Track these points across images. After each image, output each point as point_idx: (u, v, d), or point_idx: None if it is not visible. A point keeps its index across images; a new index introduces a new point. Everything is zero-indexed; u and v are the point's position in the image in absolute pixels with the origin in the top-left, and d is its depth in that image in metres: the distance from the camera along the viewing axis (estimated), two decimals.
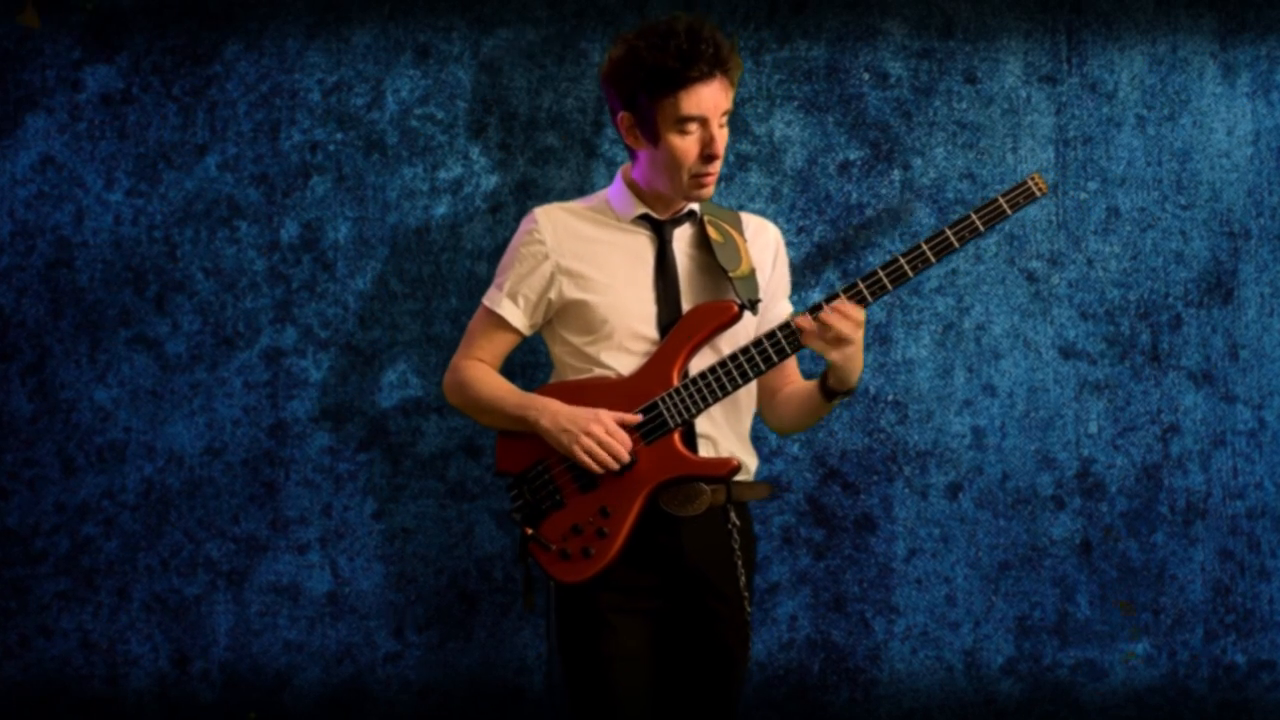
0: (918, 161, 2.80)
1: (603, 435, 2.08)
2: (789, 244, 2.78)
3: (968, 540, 2.80)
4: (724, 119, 2.13)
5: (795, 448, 2.79)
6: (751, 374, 2.11)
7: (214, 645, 2.77)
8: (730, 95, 2.12)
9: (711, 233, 2.21)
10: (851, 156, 2.80)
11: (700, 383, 2.11)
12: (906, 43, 2.80)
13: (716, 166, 2.13)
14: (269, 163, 2.78)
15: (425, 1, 2.79)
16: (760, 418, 2.33)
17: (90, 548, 2.77)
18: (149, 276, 2.78)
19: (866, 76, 2.80)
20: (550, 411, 2.12)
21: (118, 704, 2.77)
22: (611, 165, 2.77)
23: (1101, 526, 2.80)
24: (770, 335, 2.11)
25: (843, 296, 2.07)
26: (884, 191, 2.80)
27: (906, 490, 2.79)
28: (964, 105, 2.81)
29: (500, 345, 2.25)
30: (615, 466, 2.09)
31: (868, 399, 2.79)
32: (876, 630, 2.79)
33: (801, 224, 2.79)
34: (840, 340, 2.06)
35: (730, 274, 2.16)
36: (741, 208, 2.78)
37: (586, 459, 2.08)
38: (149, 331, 2.78)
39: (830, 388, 2.16)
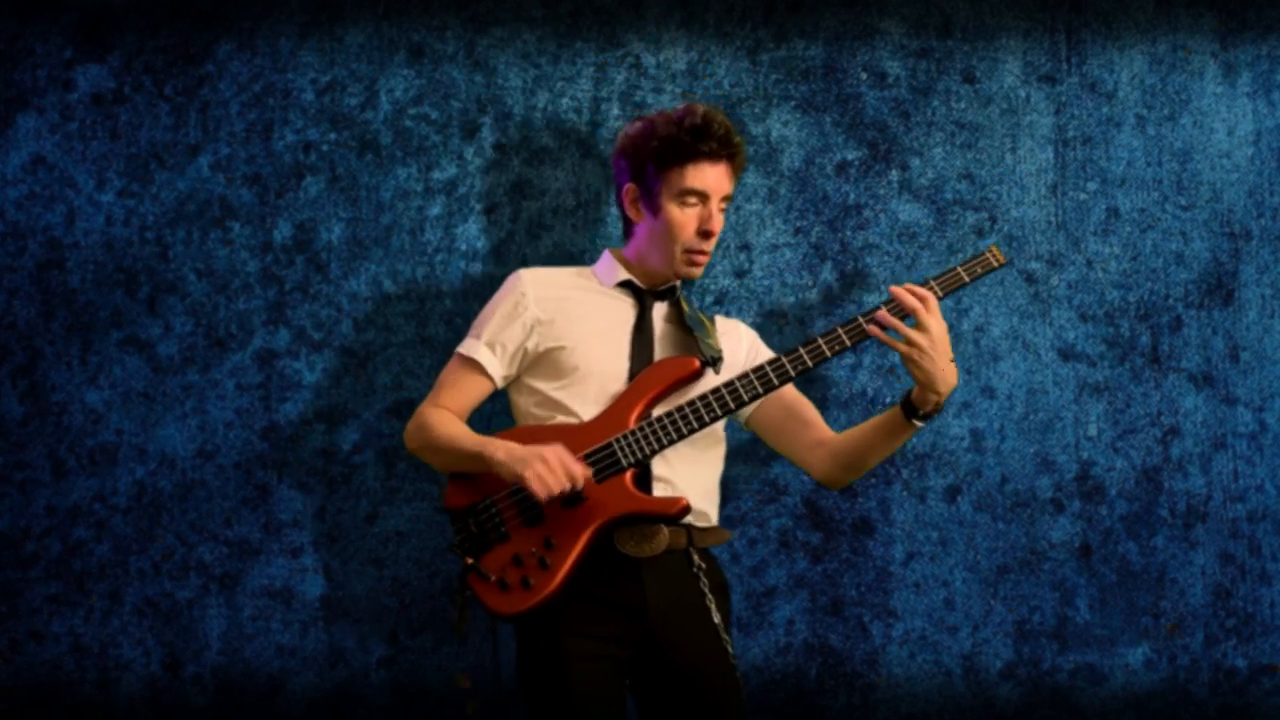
0: (916, 161, 2.78)
1: (554, 460, 2.06)
2: (786, 245, 2.76)
3: (966, 544, 2.78)
4: (724, 205, 2.23)
5: None
6: (708, 419, 2.13)
7: (206, 649, 2.75)
8: (732, 185, 2.24)
9: (685, 308, 2.28)
10: (849, 157, 2.78)
11: (656, 424, 2.12)
12: (904, 42, 2.78)
13: (710, 245, 2.23)
14: (262, 163, 2.76)
15: (419, 1, 2.77)
16: (815, 480, 2.37)
17: (81, 551, 2.75)
18: (141, 278, 2.76)
19: (864, 76, 2.79)
20: (506, 446, 2.12)
21: (109, 708, 2.75)
22: (607, 166, 2.75)
23: (1101, 530, 2.78)
24: (729, 385, 2.14)
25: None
26: (882, 192, 2.78)
27: (904, 493, 2.78)
28: (962, 105, 2.79)
29: (470, 393, 2.27)
30: (565, 488, 2.06)
31: (865, 401, 2.78)
32: (874, 634, 2.77)
33: (799, 225, 2.78)
34: (920, 329, 2.05)
35: (697, 335, 2.22)
36: (738, 209, 2.76)
37: (536, 484, 2.05)
38: (141, 333, 2.76)
39: (913, 403, 2.13)
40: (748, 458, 2.76)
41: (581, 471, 2.08)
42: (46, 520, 2.76)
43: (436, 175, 2.77)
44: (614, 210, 2.75)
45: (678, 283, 2.31)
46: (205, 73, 2.76)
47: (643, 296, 2.28)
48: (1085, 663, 2.78)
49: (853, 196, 2.78)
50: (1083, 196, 2.80)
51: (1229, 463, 2.79)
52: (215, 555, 2.75)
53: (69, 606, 2.76)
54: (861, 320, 2.10)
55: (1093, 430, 2.79)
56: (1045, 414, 2.79)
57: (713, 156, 2.19)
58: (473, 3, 2.77)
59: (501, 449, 2.11)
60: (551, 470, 2.05)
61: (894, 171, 2.78)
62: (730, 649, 2.18)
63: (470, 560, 2.14)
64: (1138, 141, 2.80)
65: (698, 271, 2.25)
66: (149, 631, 2.76)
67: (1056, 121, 2.79)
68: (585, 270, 2.34)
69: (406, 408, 2.74)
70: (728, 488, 2.74)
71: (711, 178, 2.20)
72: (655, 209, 2.21)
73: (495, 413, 2.61)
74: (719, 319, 2.38)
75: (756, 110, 2.77)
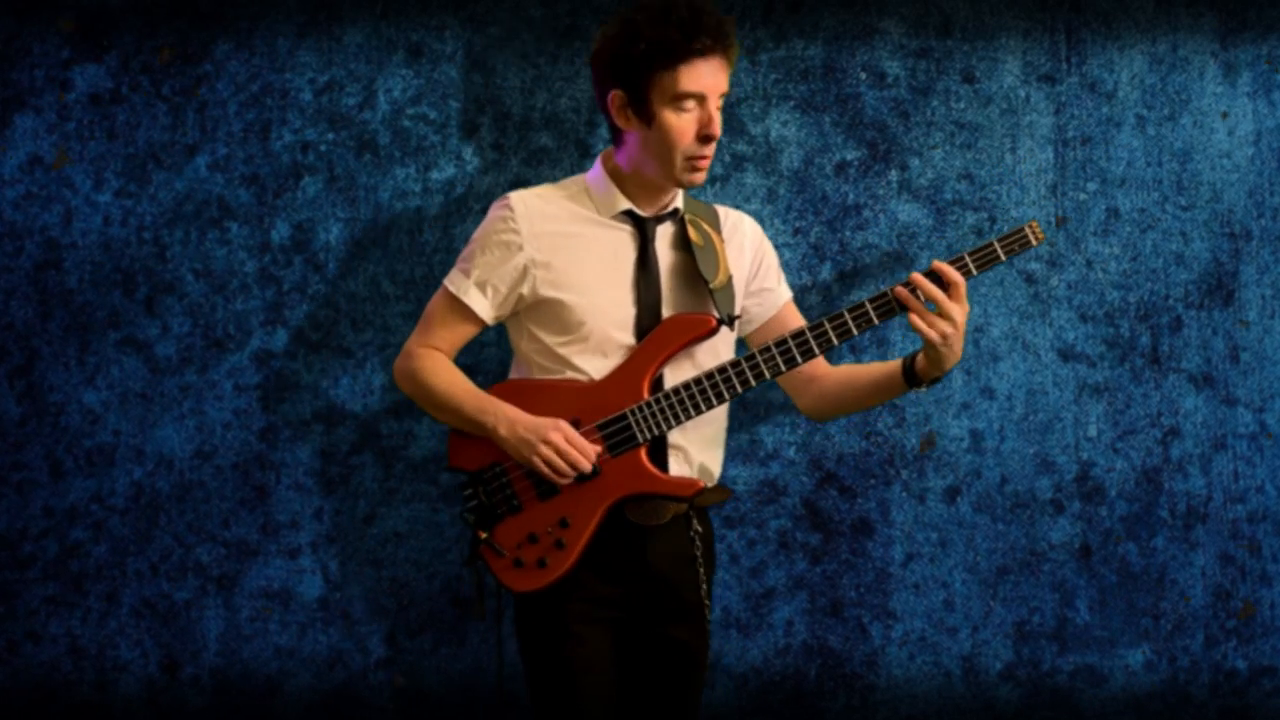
0: (915, 162, 2.77)
1: (562, 444, 2.03)
2: (786, 245, 2.75)
3: (966, 544, 2.77)
4: (720, 102, 2.06)
5: (791, 451, 2.76)
6: (728, 395, 2.07)
7: (204, 651, 2.75)
8: (728, 79, 2.06)
9: (692, 234, 2.14)
10: (848, 157, 2.78)
11: (674, 398, 2.06)
12: (904, 42, 2.78)
13: (712, 149, 2.06)
14: (260, 163, 2.75)
15: (417, 0, 2.76)
16: (795, 406, 2.30)
17: (79, 552, 2.75)
18: (138, 278, 2.75)
19: (863, 76, 2.78)
20: (508, 420, 2.06)
21: (107, 710, 2.75)
22: None
23: (1101, 531, 2.78)
24: (751, 359, 2.07)
25: (939, 265, 2.01)
26: (881, 192, 2.78)
27: (904, 494, 2.77)
28: (962, 105, 2.78)
29: (460, 335, 2.17)
30: (573, 475, 2.04)
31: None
32: (874, 636, 2.76)
33: (798, 225, 2.77)
34: (944, 317, 1.99)
35: (710, 284, 2.11)
36: (736, 208, 2.75)
37: (546, 469, 2.03)
38: (138, 334, 2.75)
39: (916, 372, 2.08)
40: (748, 458, 2.76)
41: (593, 450, 2.04)
42: (44, 521, 2.75)
43: (435, 175, 2.76)
44: None
45: (680, 205, 2.16)
46: (203, 73, 2.75)
47: (644, 225, 2.12)
48: (1085, 664, 2.78)
49: (852, 197, 2.78)
50: (1083, 196, 2.79)
51: (1229, 464, 2.79)
52: (213, 556, 2.75)
53: (66, 608, 2.75)
54: (893, 298, 2.02)
55: (1093, 431, 2.78)
56: (1045, 415, 2.78)
57: (707, 52, 1.99)
58: (471, 2, 2.76)
59: (504, 424, 2.06)
60: (561, 454, 2.02)
61: (893, 171, 2.78)
62: (709, 614, 2.17)
63: (484, 535, 2.11)
64: (1138, 141, 2.79)
65: (700, 178, 2.08)
66: (146, 633, 2.75)
67: (1056, 121, 2.79)
68: (579, 184, 2.16)
69: (405, 409, 2.73)
70: (726, 485, 2.73)
71: (708, 76, 2.00)
72: (648, 117, 2.02)
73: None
74: (723, 215, 2.24)
75: (755, 110, 2.76)
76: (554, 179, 2.74)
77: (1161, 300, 2.79)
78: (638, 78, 2.01)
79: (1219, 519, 2.78)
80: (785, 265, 2.74)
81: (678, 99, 2.01)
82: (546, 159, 2.76)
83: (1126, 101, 2.79)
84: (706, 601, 2.16)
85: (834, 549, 2.76)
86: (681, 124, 2.03)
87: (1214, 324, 2.79)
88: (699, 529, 2.16)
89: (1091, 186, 2.79)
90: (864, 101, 2.78)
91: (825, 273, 2.77)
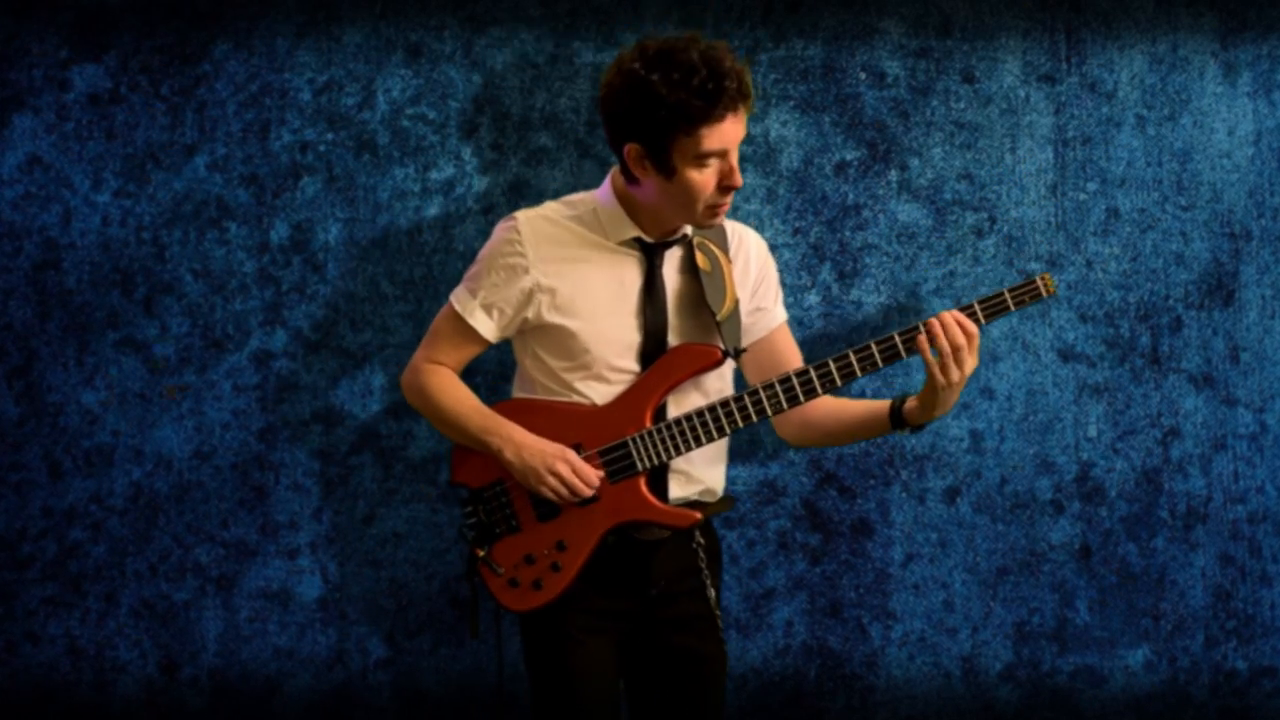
0: (915, 162, 2.77)
1: (568, 475, 2.05)
2: (785, 245, 2.75)
3: (966, 545, 2.77)
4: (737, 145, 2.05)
5: (791, 451, 2.76)
6: (729, 429, 2.07)
7: (203, 651, 2.75)
8: (745, 122, 2.03)
9: (700, 259, 2.13)
10: (848, 157, 2.77)
11: (674, 429, 2.07)
12: (904, 42, 2.77)
13: (731, 196, 2.05)
14: (259, 163, 2.75)
15: (417, 0, 2.76)
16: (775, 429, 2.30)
17: (78, 552, 2.74)
18: (137, 278, 2.75)
19: (863, 76, 2.78)
20: (514, 443, 2.08)
21: (105, 711, 2.75)
22: (605, 165, 2.74)
23: (1101, 531, 2.77)
24: (754, 396, 2.07)
25: (957, 312, 2.01)
26: (880, 192, 2.77)
27: (904, 494, 2.77)
28: (962, 105, 2.78)
29: (466, 353, 2.20)
30: (574, 501, 2.07)
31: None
32: (873, 636, 2.76)
33: (797, 225, 2.77)
34: (956, 357, 1.99)
35: (716, 316, 2.11)
36: (736, 209, 2.75)
37: (551, 496, 2.07)
38: (137, 334, 2.75)
39: (905, 415, 2.09)
40: (747, 459, 2.76)
41: (596, 477, 2.06)
42: (43, 522, 2.75)
43: (434, 175, 2.76)
44: None
45: (689, 230, 2.14)
46: (202, 72, 2.75)
47: (651, 251, 2.11)
48: (1085, 664, 2.77)
49: (851, 197, 2.77)
50: (1083, 196, 2.79)
51: (1229, 464, 2.78)
52: (212, 557, 2.75)
53: (65, 608, 2.75)
54: (901, 344, 2.03)
55: (1092, 431, 2.78)
56: (1045, 415, 2.78)
57: (728, 113, 1.96)
58: (470, 2, 2.76)
59: (510, 447, 2.08)
60: (566, 483, 2.05)
61: (893, 171, 2.77)
62: (720, 623, 2.17)
63: (481, 553, 2.12)
64: (1138, 141, 2.79)
65: (720, 220, 2.07)
66: (145, 633, 2.75)
67: (1056, 121, 2.79)
68: (587, 204, 2.13)
69: (404, 409, 2.73)
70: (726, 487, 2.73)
71: (729, 133, 1.97)
72: (668, 171, 1.99)
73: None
74: (730, 231, 2.22)
75: (755, 110, 2.76)
76: (553, 179, 2.75)
77: (1161, 300, 2.78)
78: (658, 138, 1.97)
79: (1219, 519, 2.78)
80: (785, 265, 2.74)
81: (700, 158, 1.98)
82: (546, 159, 2.75)
83: (1126, 101, 2.79)
84: (716, 611, 2.16)
85: (834, 549, 2.76)
86: (704, 179, 2.00)
87: (1214, 324, 2.78)
88: (702, 541, 2.15)
89: (1091, 186, 2.79)
90: (864, 101, 2.77)
91: (825, 273, 2.76)
